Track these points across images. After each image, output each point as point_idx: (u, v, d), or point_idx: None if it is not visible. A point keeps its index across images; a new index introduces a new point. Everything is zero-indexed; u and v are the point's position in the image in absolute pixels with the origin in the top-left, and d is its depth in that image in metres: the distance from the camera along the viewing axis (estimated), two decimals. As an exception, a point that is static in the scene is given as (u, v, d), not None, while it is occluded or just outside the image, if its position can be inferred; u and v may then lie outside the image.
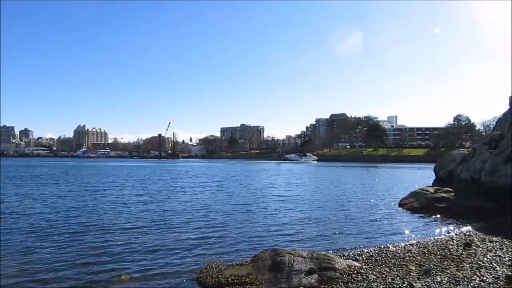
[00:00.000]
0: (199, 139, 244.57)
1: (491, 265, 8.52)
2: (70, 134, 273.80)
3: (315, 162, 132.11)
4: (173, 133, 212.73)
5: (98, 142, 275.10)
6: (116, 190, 28.20)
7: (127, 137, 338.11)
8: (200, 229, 14.16)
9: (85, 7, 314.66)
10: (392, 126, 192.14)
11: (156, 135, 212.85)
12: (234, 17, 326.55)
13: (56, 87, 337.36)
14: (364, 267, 8.64)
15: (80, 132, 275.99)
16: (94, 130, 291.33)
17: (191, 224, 15.05)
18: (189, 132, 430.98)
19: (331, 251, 10.43)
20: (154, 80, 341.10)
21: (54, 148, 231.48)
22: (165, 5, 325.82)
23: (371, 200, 23.68)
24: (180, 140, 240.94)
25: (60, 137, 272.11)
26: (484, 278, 7.54)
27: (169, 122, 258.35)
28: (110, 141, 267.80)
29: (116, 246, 11.30)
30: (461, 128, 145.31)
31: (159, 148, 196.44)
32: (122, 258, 10.06)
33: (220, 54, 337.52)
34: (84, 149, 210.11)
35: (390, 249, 10.71)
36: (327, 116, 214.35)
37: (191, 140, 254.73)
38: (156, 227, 14.27)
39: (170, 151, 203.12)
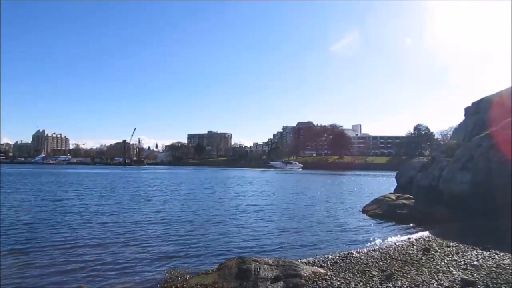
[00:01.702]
0: (165, 146, 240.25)
1: (448, 269, 8.89)
2: (28, 139, 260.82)
3: (301, 170, 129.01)
4: (139, 139, 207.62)
5: (59, 148, 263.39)
6: (77, 200, 27.01)
7: (90, 143, 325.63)
8: (165, 238, 13.89)
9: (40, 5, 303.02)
10: (356, 134, 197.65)
11: (121, 141, 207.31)
12: (200, 20, 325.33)
13: (13, 89, 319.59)
14: (329, 273, 8.77)
15: (39, 137, 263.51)
16: (54, 135, 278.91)
17: (156, 234, 14.72)
18: (155, 138, 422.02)
19: (297, 258, 10.51)
20: (118, 84, 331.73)
21: (10, 154, 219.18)
22: (131, 3, 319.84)
23: (336, 207, 24.15)
24: (145, 146, 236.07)
25: (17, 142, 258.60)
26: (442, 282, 7.85)
27: (134, 128, 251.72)
28: (71, 147, 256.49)
29: (77, 257, 10.88)
30: (421, 137, 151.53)
31: (123, 155, 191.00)
32: (83, 270, 9.66)
33: (186, 59, 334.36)
34: (43, 155, 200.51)
35: (354, 255, 10.95)
36: (294, 124, 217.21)
37: (157, 146, 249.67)
38: (119, 237, 13.83)
39: (135, 158, 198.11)
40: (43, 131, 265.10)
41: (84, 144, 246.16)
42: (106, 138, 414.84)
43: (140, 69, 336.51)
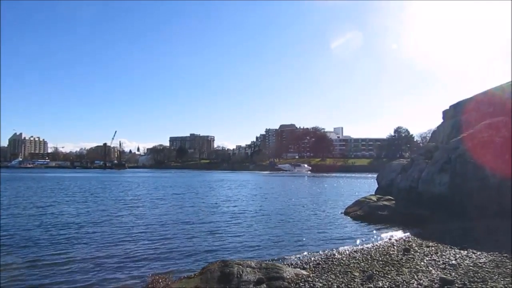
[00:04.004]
0: (147, 149, 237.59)
1: (427, 268, 9.06)
2: (4, 142, 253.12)
3: (309, 172, 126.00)
4: (119, 142, 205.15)
5: (36, 152, 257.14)
6: (56, 204, 26.42)
7: (69, 146, 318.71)
8: (147, 242, 13.72)
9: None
10: (338, 137, 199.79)
11: (101, 144, 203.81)
12: (183, 21, 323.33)
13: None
14: (311, 275, 8.82)
15: (16, 141, 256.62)
16: (32, 138, 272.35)
17: (138, 238, 14.53)
18: (137, 141, 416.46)
19: (280, 261, 10.55)
20: (99, 87, 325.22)
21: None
22: (112, 4, 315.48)
23: (319, 209, 24.33)
24: (127, 149, 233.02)
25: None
26: (421, 281, 8.00)
27: (115, 131, 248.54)
28: (50, 150, 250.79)
29: (56, 261, 10.64)
30: (401, 139, 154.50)
31: (104, 158, 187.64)
32: (64, 274, 9.47)
33: (169, 61, 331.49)
34: (20, 159, 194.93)
35: (336, 256, 11.05)
36: (277, 127, 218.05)
37: (138, 149, 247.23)
38: (99, 241, 13.61)
39: (116, 161, 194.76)
40: (20, 134, 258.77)
41: (63, 147, 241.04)
42: (86, 141, 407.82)
43: (122, 71, 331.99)
